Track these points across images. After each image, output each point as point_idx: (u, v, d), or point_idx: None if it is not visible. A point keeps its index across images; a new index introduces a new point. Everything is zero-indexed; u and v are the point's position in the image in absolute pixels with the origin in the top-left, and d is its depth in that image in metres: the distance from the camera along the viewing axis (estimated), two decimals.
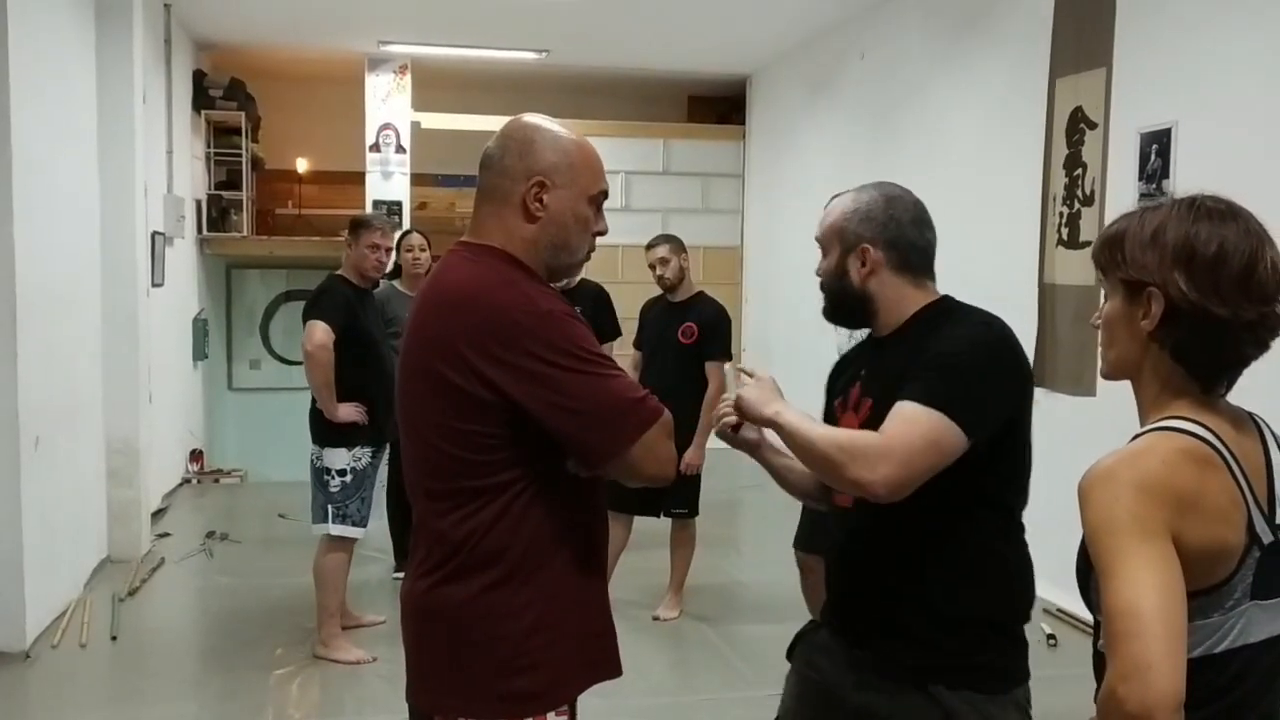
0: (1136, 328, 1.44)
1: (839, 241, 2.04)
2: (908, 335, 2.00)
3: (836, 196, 2.13)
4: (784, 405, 1.96)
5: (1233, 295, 1.37)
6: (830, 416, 2.14)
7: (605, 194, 1.94)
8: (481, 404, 1.75)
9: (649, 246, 5.14)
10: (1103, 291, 1.51)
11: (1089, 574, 1.37)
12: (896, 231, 2.02)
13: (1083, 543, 1.39)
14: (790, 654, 2.21)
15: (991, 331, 1.94)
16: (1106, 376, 1.53)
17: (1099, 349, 1.53)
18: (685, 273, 5.12)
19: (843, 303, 2.07)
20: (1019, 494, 1.98)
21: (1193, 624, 1.31)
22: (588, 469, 1.82)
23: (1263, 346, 1.42)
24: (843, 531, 2.08)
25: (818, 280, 2.11)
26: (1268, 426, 1.50)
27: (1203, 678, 1.33)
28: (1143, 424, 1.46)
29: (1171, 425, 1.40)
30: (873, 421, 1.92)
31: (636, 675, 4.24)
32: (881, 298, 2.02)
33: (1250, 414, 1.50)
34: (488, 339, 1.74)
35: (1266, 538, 1.39)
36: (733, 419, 2.09)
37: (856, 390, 2.06)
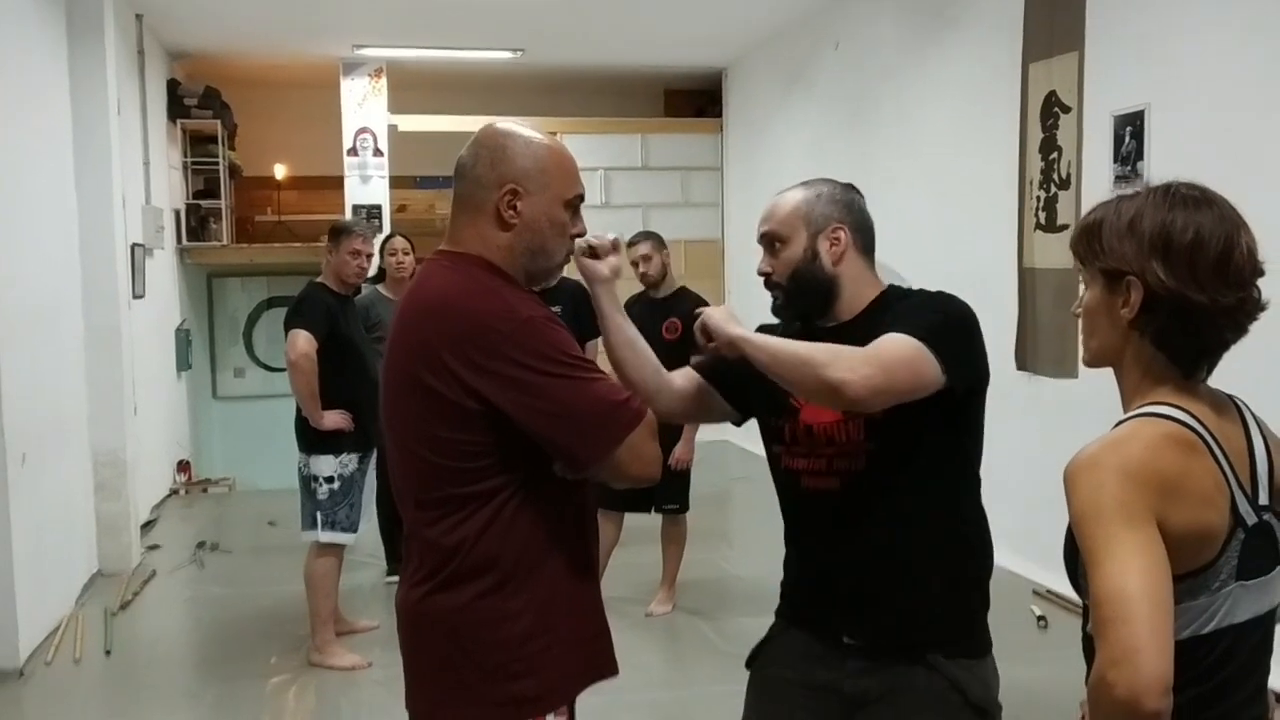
0: (1117, 316, 1.45)
1: (805, 225, 2.02)
2: (868, 320, 1.99)
3: (781, 193, 2.11)
4: (745, 329, 1.98)
5: (1210, 282, 1.39)
6: (779, 404, 2.06)
7: (581, 197, 1.94)
8: (466, 412, 1.76)
9: (630, 244, 5.14)
10: (1081, 281, 1.52)
11: (1076, 559, 1.39)
12: (860, 215, 2.05)
13: (1069, 528, 1.41)
14: (751, 663, 2.20)
15: (962, 301, 1.99)
16: (1088, 364, 1.54)
17: (1080, 338, 1.54)
18: (667, 269, 5.13)
19: (809, 289, 2.03)
20: (979, 460, 2.05)
21: (1180, 606, 1.33)
22: (574, 473, 1.83)
23: (1241, 331, 1.43)
24: (824, 518, 2.03)
25: (764, 278, 2.07)
26: (1248, 409, 1.52)
27: (1191, 658, 1.35)
28: (1125, 411, 1.48)
29: (1154, 411, 1.42)
30: (846, 417, 1.94)
31: (632, 671, 4.24)
32: (847, 280, 2.02)
33: (1230, 397, 1.52)
34: (469, 348, 1.75)
35: (1250, 519, 1.41)
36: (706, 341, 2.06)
37: None
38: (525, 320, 1.77)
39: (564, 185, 1.90)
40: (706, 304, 5.20)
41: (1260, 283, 1.44)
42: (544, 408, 1.74)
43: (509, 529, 1.81)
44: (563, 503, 1.87)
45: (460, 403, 1.75)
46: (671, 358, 5.37)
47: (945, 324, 1.90)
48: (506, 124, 1.92)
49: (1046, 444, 4.72)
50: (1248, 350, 1.50)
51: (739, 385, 2.13)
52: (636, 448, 1.79)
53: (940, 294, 2.01)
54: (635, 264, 5.08)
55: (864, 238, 2.04)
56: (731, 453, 9.27)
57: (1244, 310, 1.41)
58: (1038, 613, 4.85)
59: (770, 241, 2.06)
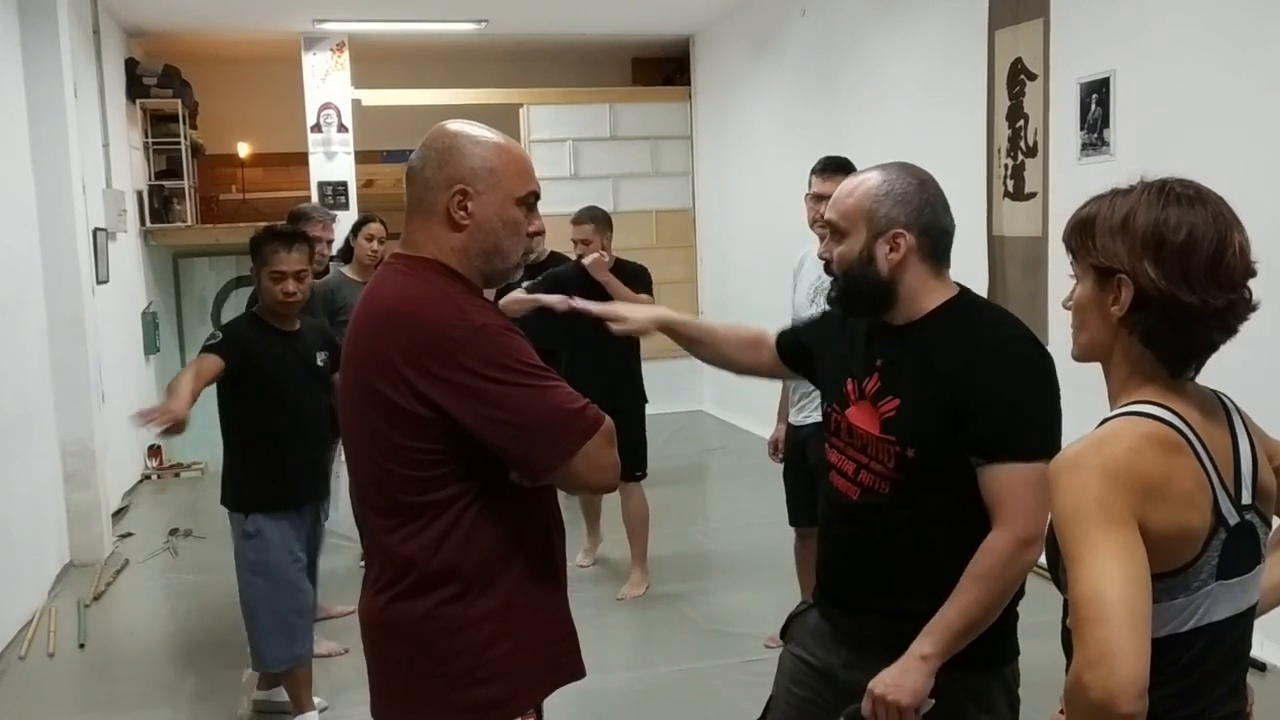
0: (1107, 313, 1.44)
1: (866, 224, 1.92)
2: (930, 331, 1.93)
3: (858, 174, 2.01)
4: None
5: (1201, 283, 1.37)
6: (838, 391, 2.04)
7: (535, 194, 1.90)
8: (421, 421, 1.74)
9: (574, 221, 4.97)
10: (1073, 274, 1.50)
11: (1059, 556, 1.38)
12: (931, 217, 1.93)
13: (1051, 525, 1.40)
14: (783, 635, 2.22)
15: (1035, 348, 1.91)
16: (1077, 359, 1.53)
17: (1071, 331, 1.53)
18: (608, 252, 4.91)
19: (863, 291, 1.95)
20: None
21: (1159, 605, 1.33)
22: (530, 481, 1.81)
23: (1230, 332, 1.42)
24: (843, 518, 2.04)
25: (825, 263, 2.02)
26: (1234, 406, 1.52)
27: (1168, 656, 1.36)
28: (1112, 407, 1.47)
29: (1139, 410, 1.41)
30: (897, 423, 1.90)
31: (609, 653, 4.28)
32: (905, 287, 1.93)
33: (1217, 393, 1.52)
34: (423, 356, 1.73)
35: (1233, 519, 1.41)
36: None
37: (875, 382, 1.96)
38: (480, 328, 1.75)
39: (515, 183, 1.86)
40: (641, 266, 5.02)
41: (1255, 275, 1.43)
42: (498, 416, 1.72)
43: (469, 536, 1.79)
44: (524, 508, 1.86)
45: (415, 411, 1.74)
46: (609, 334, 5.29)
47: (1044, 413, 1.86)
48: (456, 124, 1.89)
49: None
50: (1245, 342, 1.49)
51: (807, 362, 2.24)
52: (593, 456, 1.77)
53: (1014, 346, 1.90)
54: (574, 242, 4.94)
55: (932, 242, 1.93)
56: (707, 423, 9.29)
57: (1234, 312, 1.40)
58: None
59: (832, 230, 2.00)
